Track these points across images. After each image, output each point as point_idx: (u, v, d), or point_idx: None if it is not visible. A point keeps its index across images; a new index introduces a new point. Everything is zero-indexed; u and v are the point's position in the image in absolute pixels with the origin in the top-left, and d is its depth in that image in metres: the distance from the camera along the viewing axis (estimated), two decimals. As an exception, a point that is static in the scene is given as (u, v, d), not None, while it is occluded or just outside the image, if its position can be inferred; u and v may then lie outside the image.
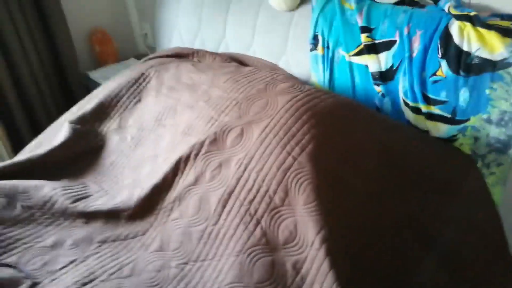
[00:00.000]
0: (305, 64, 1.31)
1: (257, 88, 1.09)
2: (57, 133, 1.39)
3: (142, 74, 1.42)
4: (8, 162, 1.26)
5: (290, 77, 1.18)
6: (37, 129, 1.89)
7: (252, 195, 0.92)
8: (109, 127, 1.36)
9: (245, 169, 0.95)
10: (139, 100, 1.38)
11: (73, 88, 2.00)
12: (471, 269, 0.95)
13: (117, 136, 1.33)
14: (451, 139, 1.06)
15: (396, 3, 1.13)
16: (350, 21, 1.17)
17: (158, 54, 1.56)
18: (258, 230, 0.89)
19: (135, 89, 1.40)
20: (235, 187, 0.95)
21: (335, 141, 0.92)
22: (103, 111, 1.38)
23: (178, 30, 1.71)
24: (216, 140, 1.03)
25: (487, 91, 0.96)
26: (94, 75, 2.02)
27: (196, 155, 1.04)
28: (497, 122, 0.97)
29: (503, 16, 0.97)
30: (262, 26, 1.40)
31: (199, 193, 1.00)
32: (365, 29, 1.13)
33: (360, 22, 1.14)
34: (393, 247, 0.85)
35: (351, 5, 1.18)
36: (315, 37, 1.25)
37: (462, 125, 1.03)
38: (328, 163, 0.89)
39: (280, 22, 1.34)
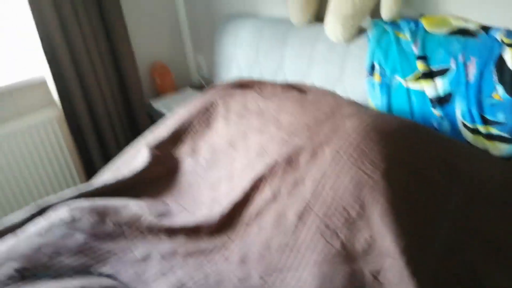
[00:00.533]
0: (361, 91, 1.42)
1: (324, 112, 1.21)
2: (136, 157, 1.55)
3: (211, 102, 1.57)
4: (99, 183, 1.42)
5: (353, 102, 1.29)
6: (105, 150, 2.09)
7: (329, 210, 1.02)
8: (183, 151, 1.51)
9: (320, 186, 1.06)
10: (209, 126, 1.52)
11: (137, 115, 2.19)
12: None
13: (191, 159, 1.47)
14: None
15: (448, 33, 1.24)
16: (406, 50, 1.28)
17: (223, 84, 1.71)
18: (337, 242, 0.98)
19: (205, 116, 1.55)
20: (311, 202, 1.05)
21: (405, 159, 1.02)
22: (177, 137, 1.53)
23: (237, 61, 1.87)
24: (290, 160, 1.14)
25: (544, 113, 1.04)
26: (156, 104, 2.20)
27: (273, 174, 1.15)
28: (555, 140, 1.04)
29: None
30: (319, 56, 1.53)
31: (277, 208, 1.11)
32: (421, 57, 1.24)
33: (416, 51, 1.25)
34: (470, 261, 0.92)
35: (406, 35, 1.29)
36: (372, 66, 1.36)
37: (521, 144, 1.11)
38: (400, 179, 0.98)
39: (337, 52, 1.47)
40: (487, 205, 1.00)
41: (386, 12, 1.34)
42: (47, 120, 1.96)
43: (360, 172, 1.01)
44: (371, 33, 1.38)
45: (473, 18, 1.22)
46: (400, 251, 0.89)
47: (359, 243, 0.96)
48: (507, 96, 1.09)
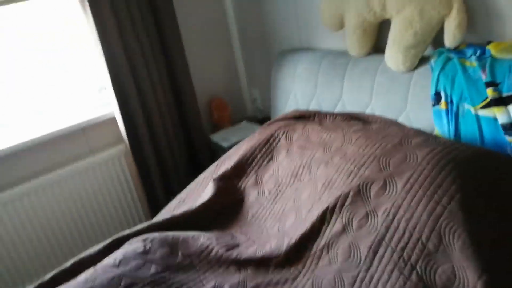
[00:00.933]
0: (425, 119, 1.40)
1: (392, 143, 1.20)
2: (201, 190, 1.61)
3: (272, 135, 1.62)
4: (167, 216, 1.48)
5: (420, 131, 1.27)
6: (167, 184, 2.18)
7: (404, 242, 1.00)
8: (247, 183, 1.55)
9: (393, 218, 1.04)
10: (271, 159, 1.56)
11: (198, 149, 2.28)
12: None
13: (255, 191, 1.50)
14: None
15: (518, 58, 1.21)
16: (473, 77, 1.26)
17: (282, 116, 1.75)
18: (414, 275, 0.96)
19: (266, 148, 1.59)
20: (385, 234, 1.04)
21: (482, 188, 0.99)
22: (240, 169, 1.58)
23: (294, 94, 1.92)
24: (360, 192, 1.14)
25: None
26: (215, 137, 2.29)
27: (342, 206, 1.15)
28: None
29: None
30: (380, 87, 1.54)
31: (348, 240, 1.10)
32: (490, 84, 1.21)
33: (484, 77, 1.23)
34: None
35: (472, 62, 1.27)
36: (436, 94, 1.35)
37: None
38: (478, 210, 0.95)
39: (399, 82, 1.47)
40: None
41: (450, 40, 1.33)
42: (116, 156, 2.10)
43: (433, 203, 0.99)
44: (434, 62, 1.37)
45: (545, 42, 1.18)
46: (483, 285, 0.86)
47: (438, 277, 0.93)
48: None
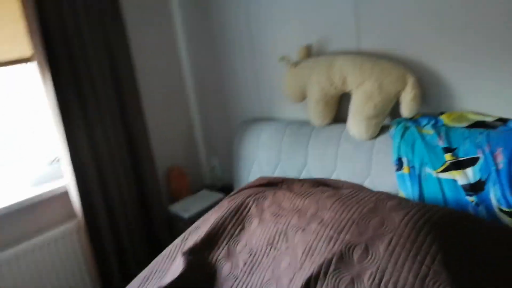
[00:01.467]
0: (390, 183, 1.48)
1: (368, 207, 1.24)
2: (168, 265, 1.51)
3: (242, 203, 1.60)
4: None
5: (391, 195, 1.34)
6: (123, 260, 2.02)
7: (393, 305, 1.00)
8: (219, 256, 1.48)
9: (380, 282, 1.04)
10: (243, 228, 1.53)
11: (156, 221, 2.17)
12: None
13: (228, 264, 1.44)
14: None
15: (467, 126, 1.36)
16: (431, 143, 1.38)
17: (250, 184, 1.76)
18: None
19: (237, 218, 1.56)
20: (374, 300, 1.03)
21: (461, 246, 1.04)
22: (211, 241, 1.52)
23: (258, 162, 1.95)
24: (343, 257, 1.14)
25: None
26: (174, 208, 2.21)
27: (326, 273, 1.14)
28: None
29: None
30: (344, 154, 1.62)
31: (336, 309, 1.08)
32: (447, 149, 1.33)
33: (442, 144, 1.35)
34: None
35: (428, 130, 1.40)
36: (399, 160, 1.45)
37: (560, 225, 1.15)
38: (460, 266, 0.99)
39: (362, 149, 1.56)
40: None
41: (406, 111, 1.47)
42: (68, 233, 1.94)
43: (418, 264, 1.02)
44: (394, 130, 1.49)
45: (489, 112, 1.35)
46: None
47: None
48: (539, 180, 1.16)
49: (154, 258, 1.60)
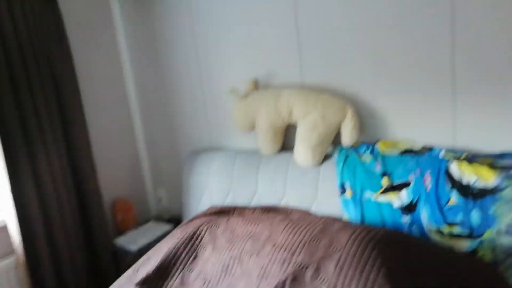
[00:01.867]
0: (335, 207, 1.59)
1: (318, 229, 1.33)
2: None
3: (194, 232, 1.62)
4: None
5: (338, 219, 1.44)
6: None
7: (344, 320, 1.08)
8: (172, 285, 1.48)
9: (331, 299, 1.12)
10: (197, 256, 1.54)
11: (101, 255, 2.09)
12: None
13: (183, 292, 1.44)
14: (474, 252, 1.32)
15: (400, 154, 1.52)
16: (370, 169, 1.52)
17: (202, 213, 1.78)
18: None
19: (190, 246, 1.58)
20: (326, 315, 1.10)
21: (400, 261, 1.15)
22: (164, 271, 1.51)
23: (209, 191, 1.98)
24: (296, 278, 1.21)
25: (492, 210, 1.28)
26: (121, 241, 2.15)
27: (281, 293, 1.20)
28: (506, 232, 1.27)
29: (484, 156, 1.36)
30: (292, 181, 1.72)
31: (292, 327, 1.13)
32: (384, 174, 1.48)
33: (379, 169, 1.50)
34: None
35: (367, 157, 1.55)
36: (342, 185, 1.57)
37: (479, 240, 1.31)
38: (401, 278, 1.10)
39: (309, 176, 1.67)
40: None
41: (346, 139, 1.61)
42: (5, 270, 1.80)
43: (364, 279, 1.11)
44: (337, 157, 1.62)
45: (417, 140, 1.53)
46: None
47: None
48: (460, 200, 1.33)
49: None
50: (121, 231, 2.31)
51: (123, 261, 2.13)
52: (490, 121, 1.39)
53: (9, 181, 1.73)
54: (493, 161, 1.33)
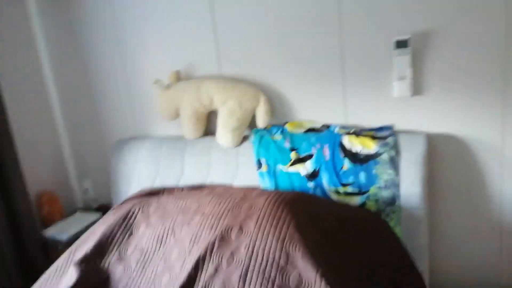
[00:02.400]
0: (253, 180, 1.85)
1: (239, 197, 1.57)
2: (58, 279, 1.57)
3: (128, 212, 1.76)
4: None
5: (256, 187, 1.70)
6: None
7: (263, 265, 1.33)
8: (110, 261, 1.61)
9: (253, 250, 1.37)
10: (131, 233, 1.69)
11: (30, 247, 2.12)
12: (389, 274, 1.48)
13: (121, 266, 1.59)
14: (363, 205, 1.67)
15: (304, 132, 1.82)
16: (280, 146, 1.80)
17: (133, 196, 1.92)
18: (276, 287, 1.29)
19: (125, 225, 1.72)
20: (249, 264, 1.34)
21: (306, 215, 1.44)
22: (101, 249, 1.64)
23: (138, 177, 2.12)
24: (223, 238, 1.43)
25: (374, 171, 1.64)
26: (49, 232, 2.18)
27: (211, 252, 1.41)
28: (385, 187, 1.63)
29: (367, 130, 1.71)
30: (215, 161, 1.93)
31: (221, 278, 1.36)
32: (292, 149, 1.77)
33: (288, 145, 1.78)
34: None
35: (278, 136, 1.83)
36: (258, 161, 1.83)
37: (366, 195, 1.66)
38: (307, 229, 1.38)
39: (230, 155, 1.90)
40: (359, 236, 1.48)
41: (261, 122, 1.87)
42: None
43: (278, 231, 1.38)
44: (253, 138, 1.88)
45: (317, 120, 1.84)
46: (319, 277, 1.25)
47: (292, 282, 1.28)
48: (351, 165, 1.66)
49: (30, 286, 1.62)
50: (48, 224, 2.33)
51: (54, 251, 2.18)
52: (370, 103, 1.75)
53: None
54: (374, 133, 1.68)
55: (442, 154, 1.70)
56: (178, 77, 2.07)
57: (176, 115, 2.04)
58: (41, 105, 2.42)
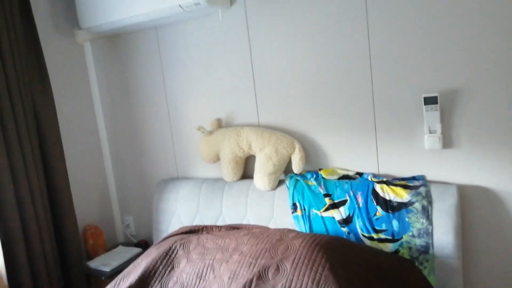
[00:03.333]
0: (289, 223, 1.94)
1: (276, 239, 1.66)
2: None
3: (169, 248, 1.88)
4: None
5: (292, 229, 1.79)
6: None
7: (299, 305, 1.40)
8: (152, 293, 1.72)
9: (289, 289, 1.44)
10: (173, 268, 1.80)
11: (74, 277, 2.25)
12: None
13: (162, 299, 1.68)
14: (396, 252, 1.72)
15: (338, 178, 1.92)
16: (315, 191, 1.90)
17: (174, 233, 2.04)
18: (311, 327, 1.34)
19: (167, 260, 1.83)
20: (285, 303, 1.42)
21: (341, 258, 1.51)
22: (144, 281, 1.75)
23: (178, 215, 2.25)
24: (260, 276, 1.52)
25: (407, 219, 1.70)
26: (93, 264, 2.32)
27: (249, 289, 1.50)
28: (418, 236, 1.68)
29: (399, 179, 1.79)
30: (252, 202, 2.05)
31: (258, 316, 1.43)
32: (326, 195, 1.86)
33: (322, 191, 1.88)
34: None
35: (312, 182, 1.93)
36: (293, 204, 1.93)
37: (399, 242, 1.72)
38: (341, 272, 1.45)
39: (266, 198, 2.01)
40: (389, 283, 1.52)
41: (296, 168, 1.99)
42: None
43: (314, 272, 1.45)
44: (288, 182, 1.99)
45: (350, 168, 1.94)
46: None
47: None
48: (384, 212, 1.73)
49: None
50: (92, 256, 2.48)
51: (97, 282, 2.30)
52: (402, 154, 1.84)
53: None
54: (406, 183, 1.76)
55: (474, 205, 1.75)
56: (219, 124, 2.24)
57: (217, 159, 2.20)
58: (93, 146, 2.65)
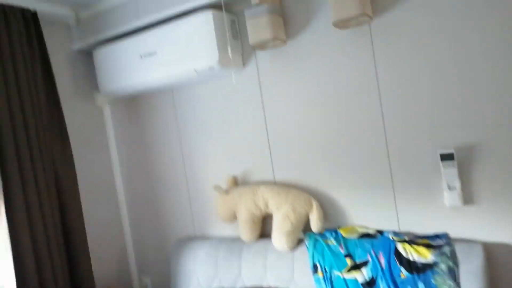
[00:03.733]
0: (309, 285, 1.88)
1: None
2: None
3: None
4: None
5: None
6: None
7: None
8: None
9: None
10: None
11: None
12: None
13: None
14: (424, 316, 1.65)
15: (358, 237, 1.88)
16: (335, 251, 1.85)
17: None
18: None
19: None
20: None
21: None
22: None
23: (196, 277, 2.21)
24: None
25: (433, 281, 1.64)
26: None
27: None
28: (445, 299, 1.61)
29: (421, 237, 1.75)
30: (271, 263, 2.00)
31: None
32: (347, 255, 1.82)
33: (342, 251, 1.84)
34: None
35: (332, 241, 1.89)
36: (314, 266, 1.88)
37: (426, 306, 1.65)
38: None
39: (285, 259, 1.97)
40: None
41: (315, 227, 1.96)
42: None
43: None
44: (307, 242, 1.95)
45: (370, 226, 1.90)
46: None
47: None
48: (408, 274, 1.67)
49: None
50: (108, 321, 2.43)
51: None
52: (422, 211, 1.80)
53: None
54: (429, 241, 1.71)
55: (501, 263, 1.68)
56: (235, 182, 2.25)
57: (234, 218, 2.18)
58: (111, 205, 2.67)
